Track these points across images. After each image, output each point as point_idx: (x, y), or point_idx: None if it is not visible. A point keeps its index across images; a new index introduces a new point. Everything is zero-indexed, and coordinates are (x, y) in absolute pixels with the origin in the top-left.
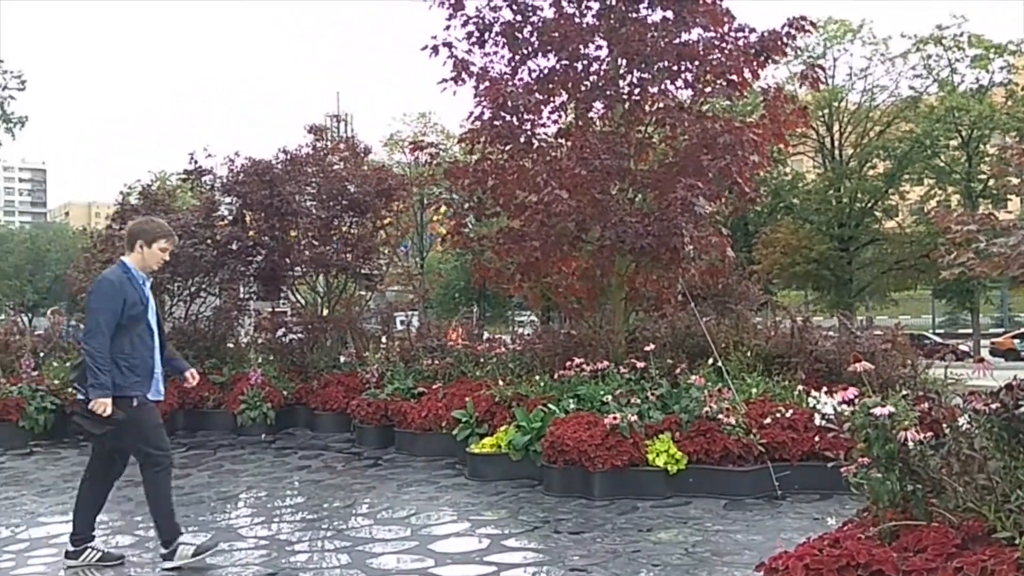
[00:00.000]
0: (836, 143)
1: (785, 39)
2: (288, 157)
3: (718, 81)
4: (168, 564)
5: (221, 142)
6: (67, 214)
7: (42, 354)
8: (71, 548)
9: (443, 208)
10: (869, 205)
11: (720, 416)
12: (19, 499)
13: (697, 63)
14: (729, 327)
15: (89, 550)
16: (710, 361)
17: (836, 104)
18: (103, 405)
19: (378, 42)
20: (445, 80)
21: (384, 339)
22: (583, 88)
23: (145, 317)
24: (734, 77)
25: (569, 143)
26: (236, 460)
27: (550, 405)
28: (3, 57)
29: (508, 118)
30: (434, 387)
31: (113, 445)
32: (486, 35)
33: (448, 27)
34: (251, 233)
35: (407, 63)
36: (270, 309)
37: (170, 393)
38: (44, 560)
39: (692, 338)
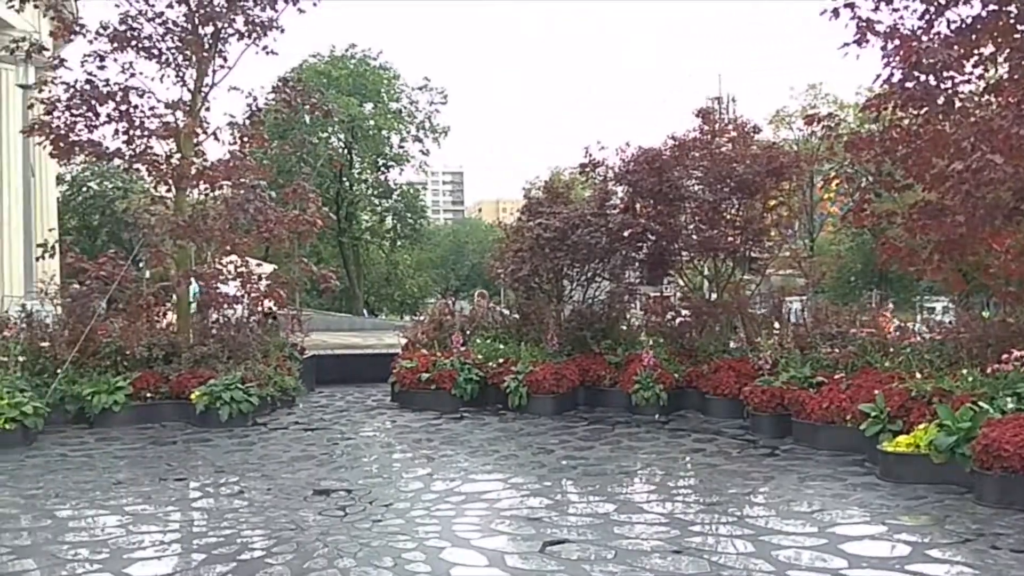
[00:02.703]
0: None
1: None
2: (676, 143)
3: None
4: None
5: (613, 134)
6: (480, 210)
7: (468, 332)
8: None
9: (835, 184)
10: None
11: None
12: (454, 457)
13: None
14: None
15: None
16: None
17: None
18: None
19: (756, 18)
20: (847, 44)
21: (776, 325)
22: (1016, 35)
23: None
24: None
25: (1001, 100)
26: (633, 437)
27: (981, 403)
28: (429, 76)
29: (922, 78)
30: (836, 377)
31: None
32: None
33: None
34: (641, 220)
35: (790, 38)
36: (656, 293)
37: (573, 371)
38: (478, 512)
39: None
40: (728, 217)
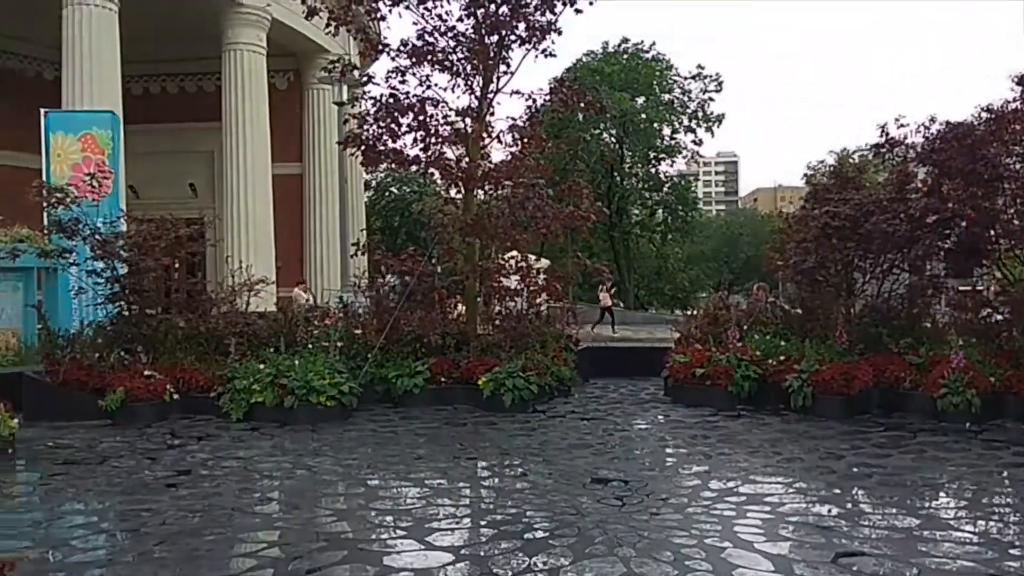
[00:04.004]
0: None
1: None
2: (991, 116)
3: None
4: None
5: (913, 112)
6: (755, 200)
7: (745, 327)
8: None
9: None
10: None
11: None
12: (733, 456)
13: None
14: None
15: None
16: None
17: None
18: None
19: None
20: None
21: None
22: None
23: None
24: None
25: None
26: (938, 447)
27: None
28: (703, 63)
29: None
30: None
31: None
32: None
33: None
34: (948, 204)
35: None
36: (967, 286)
37: (865, 371)
38: (760, 515)
39: None
40: None
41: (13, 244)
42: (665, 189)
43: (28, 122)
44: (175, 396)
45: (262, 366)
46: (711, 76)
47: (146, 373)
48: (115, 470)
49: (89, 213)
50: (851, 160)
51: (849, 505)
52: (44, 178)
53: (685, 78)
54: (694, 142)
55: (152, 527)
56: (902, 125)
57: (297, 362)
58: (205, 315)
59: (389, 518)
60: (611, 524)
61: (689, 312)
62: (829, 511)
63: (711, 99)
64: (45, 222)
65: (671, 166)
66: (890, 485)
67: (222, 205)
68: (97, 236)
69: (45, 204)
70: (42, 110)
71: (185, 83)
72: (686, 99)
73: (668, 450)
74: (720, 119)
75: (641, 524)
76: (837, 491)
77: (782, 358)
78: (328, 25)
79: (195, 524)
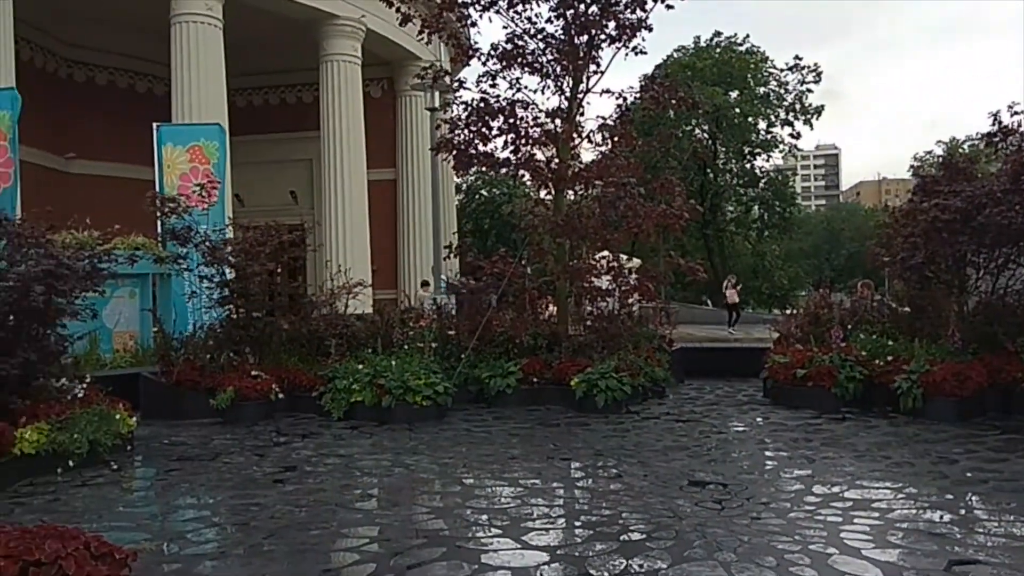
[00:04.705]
0: None
1: None
2: None
3: None
4: None
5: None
6: (858, 194)
7: (849, 326)
8: None
9: None
10: None
11: None
12: (837, 460)
13: None
14: None
15: None
16: None
17: None
18: None
19: None
20: None
21: None
22: None
23: None
24: None
25: None
26: None
27: None
28: (801, 55)
29: None
30: None
31: None
32: None
33: None
34: None
35: None
36: None
37: (979, 372)
38: (867, 522)
39: None
40: None
41: (131, 251)
42: (761, 184)
43: (141, 136)
44: (280, 395)
45: (361, 366)
46: (809, 67)
47: (253, 373)
48: (226, 466)
49: (199, 221)
50: (961, 150)
51: (963, 511)
52: (157, 189)
53: (781, 70)
54: (791, 135)
55: (261, 521)
56: (1016, 112)
57: (394, 363)
58: (307, 317)
59: (485, 517)
60: (710, 528)
61: (788, 311)
62: (941, 517)
63: (809, 91)
64: (159, 230)
65: (767, 161)
66: (1007, 491)
67: (321, 211)
68: (207, 243)
69: (159, 213)
70: (154, 124)
71: (285, 95)
72: (782, 92)
73: (768, 453)
74: (819, 111)
75: (741, 528)
76: (950, 497)
77: (890, 358)
78: (420, 32)
79: (301, 519)
